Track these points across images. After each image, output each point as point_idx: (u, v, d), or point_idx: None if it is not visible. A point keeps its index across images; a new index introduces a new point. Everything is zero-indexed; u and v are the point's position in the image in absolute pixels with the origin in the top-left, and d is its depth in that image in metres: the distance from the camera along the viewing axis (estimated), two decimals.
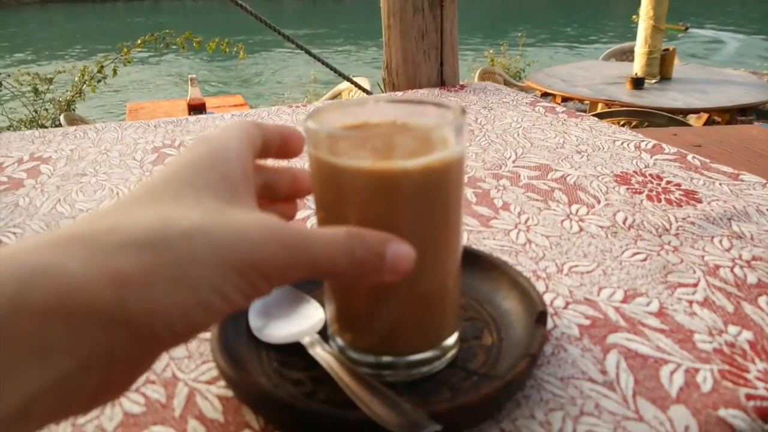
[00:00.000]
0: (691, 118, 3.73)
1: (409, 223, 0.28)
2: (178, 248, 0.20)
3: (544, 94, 3.82)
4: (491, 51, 5.79)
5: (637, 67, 3.71)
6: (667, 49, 3.71)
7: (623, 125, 2.81)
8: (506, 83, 4.32)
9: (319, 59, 1.06)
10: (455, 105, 0.30)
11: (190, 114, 2.98)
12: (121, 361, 0.20)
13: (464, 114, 0.29)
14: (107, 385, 0.20)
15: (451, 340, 0.33)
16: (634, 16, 3.88)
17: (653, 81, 3.66)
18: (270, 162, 0.31)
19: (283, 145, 0.30)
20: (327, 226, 0.30)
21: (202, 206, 0.23)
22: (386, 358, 0.32)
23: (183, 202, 0.22)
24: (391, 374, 0.32)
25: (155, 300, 0.19)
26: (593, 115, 2.71)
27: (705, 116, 3.65)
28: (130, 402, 0.32)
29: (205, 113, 3.01)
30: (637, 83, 3.54)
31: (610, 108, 3.18)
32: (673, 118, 2.70)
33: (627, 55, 4.61)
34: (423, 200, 0.28)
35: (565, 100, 3.79)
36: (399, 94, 0.92)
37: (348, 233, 0.24)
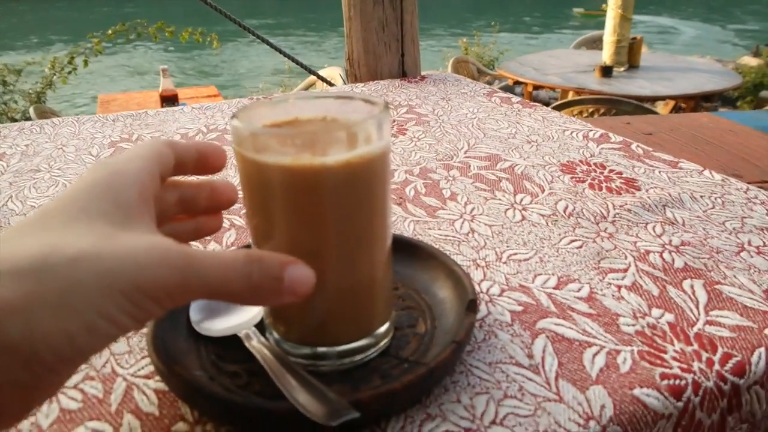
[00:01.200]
0: (659, 105, 3.79)
1: (334, 218, 0.29)
2: (62, 274, 0.21)
3: (516, 83, 3.85)
4: (465, 40, 5.79)
5: (606, 55, 3.75)
6: (634, 38, 3.76)
7: (592, 112, 2.85)
8: (479, 72, 4.33)
9: (282, 52, 1.05)
10: (381, 101, 0.30)
11: (162, 105, 2.94)
12: (10, 386, 0.20)
13: (387, 110, 0.29)
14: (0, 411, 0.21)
15: (383, 328, 0.33)
16: (603, 6, 3.92)
17: (621, 69, 3.71)
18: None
19: (202, 161, 0.30)
20: (256, 222, 0.31)
21: (94, 232, 0.23)
22: (320, 349, 0.32)
23: (75, 228, 0.23)
24: (326, 364, 0.32)
25: (36, 325, 0.20)
26: (563, 103, 2.73)
27: (672, 103, 3.72)
28: (67, 398, 0.32)
29: (178, 104, 2.97)
30: (606, 71, 3.58)
31: (580, 96, 3.22)
32: (640, 105, 2.75)
33: (597, 44, 4.66)
34: (346, 195, 0.28)
35: (536, 88, 3.82)
36: (360, 85, 0.92)
37: (247, 257, 0.25)
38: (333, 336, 0.32)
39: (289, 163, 0.27)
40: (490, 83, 4.19)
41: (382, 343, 0.33)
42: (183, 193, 0.31)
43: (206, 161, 0.31)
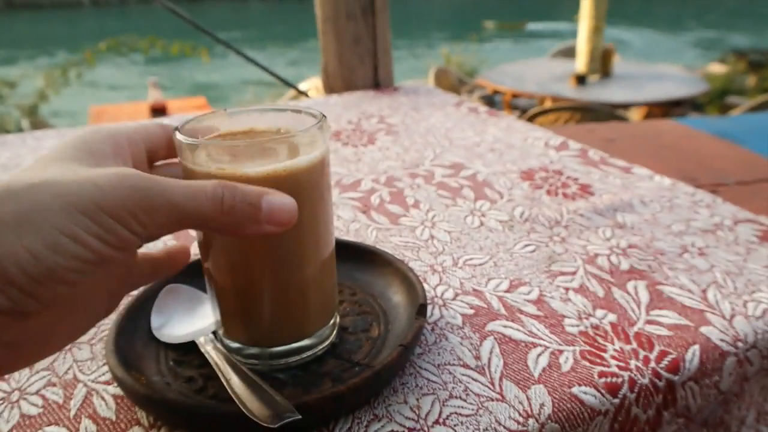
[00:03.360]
0: (633, 112, 3.83)
1: None
2: (21, 198, 0.21)
3: (495, 91, 3.87)
4: (447, 49, 5.81)
5: (580, 64, 3.79)
6: (607, 47, 3.80)
7: (568, 120, 2.87)
8: (460, 81, 4.36)
9: (258, 64, 1.05)
10: (319, 114, 0.31)
11: (152, 117, 2.92)
12: None
13: (319, 124, 0.30)
14: None
15: (320, 332, 0.33)
16: (573, 17, 3.96)
17: (595, 77, 3.75)
18: None
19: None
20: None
21: (61, 168, 0.23)
22: (253, 350, 0.32)
23: (44, 167, 0.24)
24: (258, 363, 0.33)
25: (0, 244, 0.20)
26: (541, 111, 2.74)
27: (645, 109, 3.76)
28: (29, 404, 0.32)
29: (167, 116, 2.96)
30: (580, 80, 3.62)
31: (556, 104, 3.24)
32: (614, 113, 2.78)
33: (573, 53, 4.70)
34: None
35: (515, 96, 3.85)
36: (335, 96, 0.93)
37: (217, 182, 0.25)
38: (271, 337, 0.32)
39: (214, 171, 0.28)
40: (470, 92, 4.21)
41: (320, 347, 0.33)
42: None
43: None
